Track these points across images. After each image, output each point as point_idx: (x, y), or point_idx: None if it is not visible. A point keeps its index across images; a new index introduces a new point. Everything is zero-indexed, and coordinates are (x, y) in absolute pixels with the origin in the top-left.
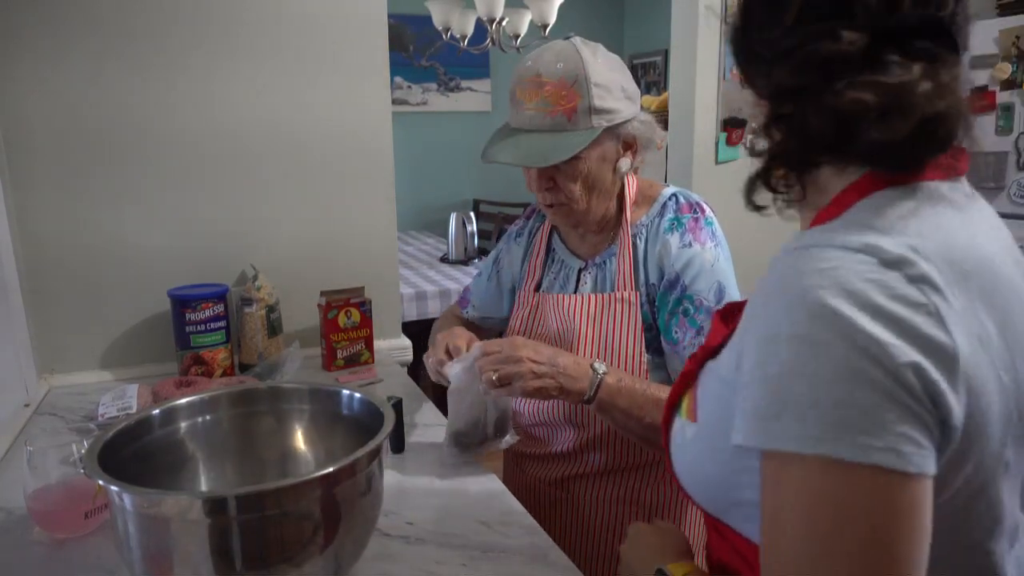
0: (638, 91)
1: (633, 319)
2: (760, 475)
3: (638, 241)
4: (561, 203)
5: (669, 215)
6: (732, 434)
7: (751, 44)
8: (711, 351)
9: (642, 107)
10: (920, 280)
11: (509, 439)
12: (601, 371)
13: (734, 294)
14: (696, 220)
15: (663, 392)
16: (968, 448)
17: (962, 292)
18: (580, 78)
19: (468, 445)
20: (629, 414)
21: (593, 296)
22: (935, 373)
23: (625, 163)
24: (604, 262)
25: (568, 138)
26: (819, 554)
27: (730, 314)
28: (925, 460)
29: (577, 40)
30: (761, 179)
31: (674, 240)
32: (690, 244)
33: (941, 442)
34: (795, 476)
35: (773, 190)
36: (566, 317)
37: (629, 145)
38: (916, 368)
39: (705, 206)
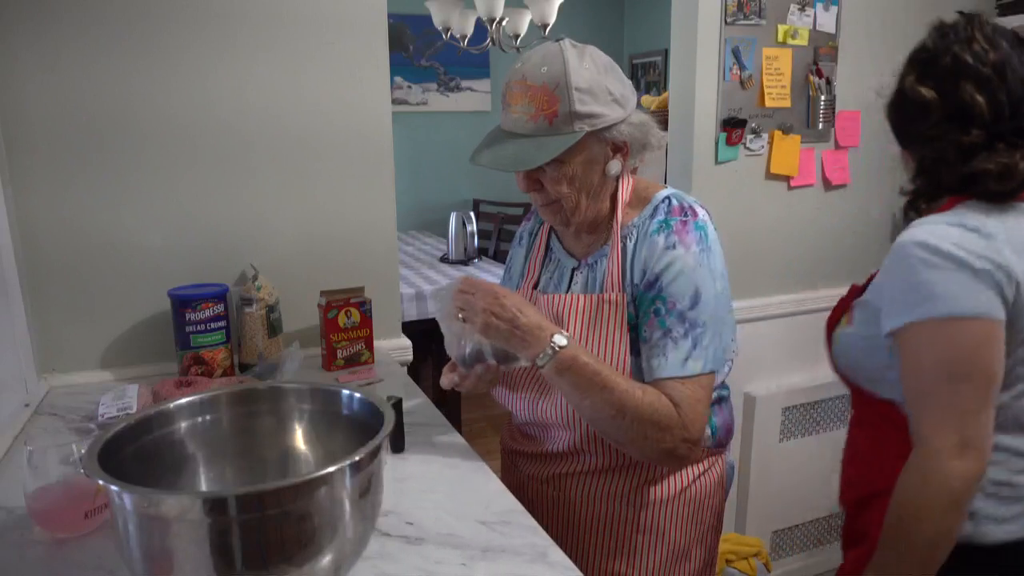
0: (631, 93)
1: (619, 320)
2: (899, 353)
3: (628, 242)
4: (552, 201)
5: (660, 217)
6: (883, 324)
7: (904, 125)
8: (860, 290)
9: (641, 107)
10: (989, 238)
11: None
12: (558, 345)
13: (708, 300)
14: (684, 223)
15: (618, 380)
16: (1019, 321)
17: (1016, 253)
18: (561, 83)
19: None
20: (574, 393)
21: (582, 296)
22: (999, 274)
23: (615, 165)
24: (595, 262)
25: (548, 142)
26: (945, 369)
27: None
28: (999, 312)
29: (566, 43)
30: (911, 207)
31: (660, 241)
32: (674, 246)
33: (1008, 312)
34: (929, 330)
35: (918, 212)
36: (557, 316)
37: (619, 148)
38: (988, 271)
39: (699, 210)
